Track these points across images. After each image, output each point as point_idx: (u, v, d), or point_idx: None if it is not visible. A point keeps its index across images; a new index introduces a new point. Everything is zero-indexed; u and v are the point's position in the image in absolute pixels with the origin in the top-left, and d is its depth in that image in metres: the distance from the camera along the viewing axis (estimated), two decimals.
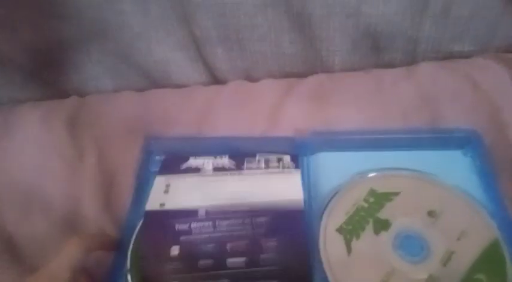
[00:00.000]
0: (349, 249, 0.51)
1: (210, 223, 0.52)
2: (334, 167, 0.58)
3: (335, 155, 0.60)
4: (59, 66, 0.72)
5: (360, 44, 0.69)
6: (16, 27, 0.66)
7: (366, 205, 0.54)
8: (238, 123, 0.66)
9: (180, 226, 0.52)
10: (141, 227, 0.53)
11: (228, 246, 0.50)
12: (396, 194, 0.55)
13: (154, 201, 0.55)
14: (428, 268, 0.48)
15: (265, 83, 0.73)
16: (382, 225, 0.52)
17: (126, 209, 0.55)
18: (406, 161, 0.57)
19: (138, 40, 0.69)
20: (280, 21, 0.67)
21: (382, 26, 0.66)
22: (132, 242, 0.52)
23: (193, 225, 0.52)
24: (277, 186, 0.56)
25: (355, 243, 0.51)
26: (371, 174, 0.57)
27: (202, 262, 0.49)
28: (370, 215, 0.53)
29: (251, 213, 0.53)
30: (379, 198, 0.55)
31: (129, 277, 0.50)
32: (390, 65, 0.72)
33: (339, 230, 0.52)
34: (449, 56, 0.71)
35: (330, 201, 0.55)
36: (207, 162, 0.60)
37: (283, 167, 0.58)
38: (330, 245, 0.51)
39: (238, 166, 0.59)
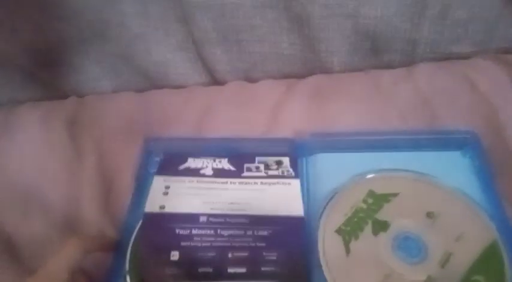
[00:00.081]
0: (347, 250, 0.51)
1: (212, 231, 0.52)
2: (333, 168, 0.58)
3: (334, 156, 0.60)
4: (59, 66, 0.72)
5: (359, 45, 0.69)
6: (16, 28, 0.66)
7: (364, 206, 0.54)
8: (238, 124, 0.66)
9: (181, 231, 0.52)
10: (140, 228, 0.53)
11: (229, 256, 0.50)
12: (395, 195, 0.55)
13: (153, 203, 0.55)
14: (426, 269, 0.48)
15: (264, 83, 0.73)
16: (380, 227, 0.52)
17: (125, 210, 0.55)
18: (405, 162, 0.57)
19: (138, 41, 0.69)
20: (279, 22, 0.67)
21: (381, 28, 0.66)
22: (131, 243, 0.52)
23: (195, 231, 0.52)
24: (277, 198, 0.56)
25: (353, 244, 0.51)
26: (370, 176, 0.57)
27: (202, 269, 0.49)
28: (368, 216, 0.53)
29: (252, 226, 0.53)
30: (378, 200, 0.55)
31: (128, 279, 0.50)
32: (389, 66, 0.72)
33: (338, 231, 0.52)
34: (447, 58, 0.70)
35: (328, 202, 0.55)
36: (206, 164, 0.60)
37: (283, 173, 0.58)
38: (328, 246, 0.51)
39: (238, 170, 0.59)
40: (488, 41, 0.69)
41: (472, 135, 0.59)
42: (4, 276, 0.54)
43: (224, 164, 0.60)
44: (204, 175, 0.58)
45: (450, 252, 0.49)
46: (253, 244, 0.51)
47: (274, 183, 0.57)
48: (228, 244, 0.51)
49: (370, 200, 0.55)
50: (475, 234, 0.51)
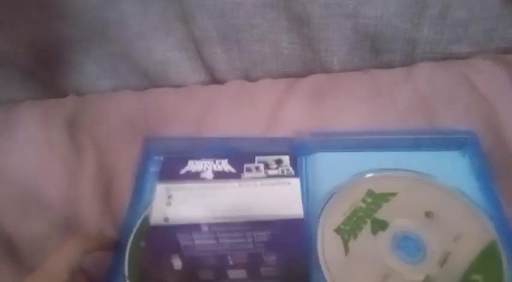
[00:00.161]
0: (346, 250, 0.51)
1: (213, 240, 0.52)
2: (332, 168, 0.58)
3: (333, 156, 0.60)
4: (58, 65, 0.72)
5: (359, 45, 0.69)
6: (16, 27, 0.66)
7: (363, 206, 0.54)
8: (237, 122, 0.66)
9: (184, 242, 0.52)
10: (146, 241, 0.53)
11: (230, 261, 0.51)
12: (394, 194, 0.55)
13: (158, 215, 0.55)
14: (425, 269, 0.48)
15: (264, 82, 0.73)
16: (379, 226, 0.52)
17: (125, 209, 0.55)
18: (404, 162, 0.57)
19: (138, 40, 0.69)
20: (279, 22, 0.67)
21: (381, 27, 0.66)
22: (129, 243, 0.53)
23: (197, 241, 0.52)
24: (277, 199, 0.56)
25: (352, 244, 0.51)
26: (369, 175, 0.57)
27: (203, 275, 0.50)
28: (367, 215, 0.53)
29: (253, 231, 0.53)
30: (377, 199, 0.55)
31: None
32: (389, 66, 0.72)
33: (337, 230, 0.53)
34: (447, 58, 0.71)
35: (327, 201, 0.55)
36: (206, 167, 0.60)
37: (282, 172, 0.58)
38: (327, 245, 0.51)
39: (238, 171, 0.59)
40: (488, 41, 0.69)
41: (471, 135, 0.59)
42: (4, 275, 0.54)
43: (224, 165, 0.60)
44: (204, 179, 0.58)
45: (449, 251, 0.49)
46: (253, 249, 0.51)
47: (274, 184, 0.57)
48: (229, 251, 0.51)
49: (369, 200, 0.55)
50: (473, 234, 0.51)
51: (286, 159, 0.60)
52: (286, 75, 0.74)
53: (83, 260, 0.46)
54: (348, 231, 0.52)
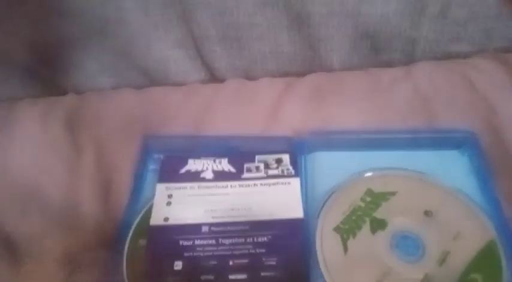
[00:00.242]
0: (345, 249, 0.51)
1: (213, 241, 0.52)
2: (332, 167, 0.58)
3: (332, 155, 0.60)
4: (58, 63, 0.72)
5: (359, 43, 0.69)
6: (15, 25, 0.66)
7: (362, 205, 0.54)
8: (237, 121, 0.66)
9: (184, 242, 0.52)
10: (146, 241, 0.53)
11: (230, 263, 0.51)
12: (393, 193, 0.55)
13: (158, 215, 0.55)
14: (424, 268, 0.48)
15: (264, 81, 0.73)
16: (378, 225, 0.52)
17: (124, 208, 0.56)
18: (403, 161, 0.57)
19: (137, 38, 0.69)
20: (279, 20, 0.67)
21: (381, 26, 0.66)
22: (128, 241, 0.53)
23: (197, 242, 0.52)
24: (277, 200, 0.56)
25: (351, 243, 0.51)
26: (368, 174, 0.57)
27: (204, 277, 0.50)
28: (367, 214, 0.53)
29: (253, 232, 0.53)
30: (376, 198, 0.55)
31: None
32: (389, 65, 0.72)
33: (336, 229, 0.53)
34: (447, 57, 0.71)
35: (327, 200, 0.55)
36: (206, 167, 0.60)
37: (282, 172, 0.58)
38: (326, 244, 0.51)
39: (238, 171, 0.59)
40: (488, 41, 0.69)
41: (470, 134, 0.59)
42: (2, 274, 0.54)
43: (224, 164, 0.60)
44: (204, 179, 0.59)
45: (448, 250, 0.49)
46: (253, 251, 0.51)
47: (274, 184, 0.57)
48: (229, 252, 0.51)
49: (368, 199, 0.55)
50: (472, 233, 0.51)
51: (286, 158, 0.60)
52: (286, 74, 0.74)
53: (82, 256, 0.46)
54: (347, 230, 0.52)
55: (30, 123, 0.68)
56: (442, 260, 0.49)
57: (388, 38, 0.68)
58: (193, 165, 0.60)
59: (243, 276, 0.49)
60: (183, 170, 0.60)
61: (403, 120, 0.64)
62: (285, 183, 0.57)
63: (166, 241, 0.53)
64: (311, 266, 0.50)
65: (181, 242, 0.52)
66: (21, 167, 0.63)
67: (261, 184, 0.58)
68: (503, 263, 0.48)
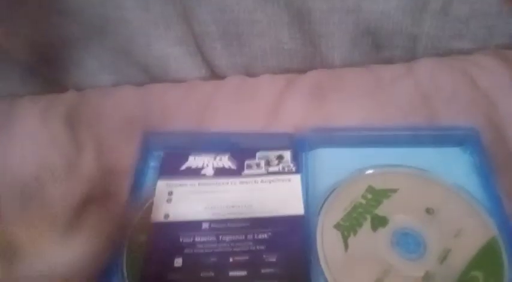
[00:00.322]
0: (346, 246, 0.51)
1: (214, 238, 0.53)
2: (333, 163, 0.58)
3: (334, 151, 0.60)
4: (58, 61, 0.72)
5: (360, 40, 0.69)
6: (16, 23, 0.65)
7: (363, 202, 0.54)
8: (238, 118, 0.66)
9: (184, 239, 0.53)
10: (146, 238, 0.53)
11: (230, 260, 0.51)
12: (394, 191, 0.55)
13: (158, 212, 0.55)
14: (425, 265, 0.48)
15: (264, 78, 0.73)
16: (379, 222, 0.52)
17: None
18: (405, 158, 0.57)
19: (137, 35, 0.69)
20: (279, 17, 0.67)
21: (382, 23, 0.66)
22: (128, 237, 0.53)
23: (197, 239, 0.53)
24: (277, 197, 0.56)
25: (352, 240, 0.51)
26: (369, 171, 0.57)
27: (204, 274, 0.50)
28: (368, 211, 0.53)
29: (253, 229, 0.53)
30: (377, 195, 0.54)
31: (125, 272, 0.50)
32: (390, 62, 0.72)
33: (337, 226, 0.52)
34: (448, 53, 0.71)
35: (327, 197, 0.55)
36: (207, 163, 0.60)
37: (283, 168, 0.58)
38: (327, 241, 0.51)
39: (238, 168, 0.59)
40: (489, 37, 0.69)
41: (473, 131, 0.58)
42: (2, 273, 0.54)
43: (225, 161, 0.60)
44: (205, 176, 0.59)
45: (449, 248, 0.49)
46: (253, 247, 0.51)
47: (274, 181, 0.57)
48: (229, 249, 0.51)
49: (369, 196, 0.55)
50: (474, 230, 0.51)
51: (287, 155, 0.60)
52: (287, 71, 0.74)
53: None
54: (347, 227, 0.52)
55: (31, 119, 0.68)
56: (443, 258, 0.49)
57: (389, 34, 0.68)
58: (193, 161, 0.60)
59: (243, 273, 0.49)
60: (183, 167, 0.60)
61: (404, 117, 0.64)
62: (286, 180, 0.57)
63: (166, 238, 0.53)
64: (311, 263, 0.50)
65: (181, 239, 0.52)
66: (22, 164, 0.63)
67: (262, 181, 0.58)
68: (505, 260, 0.48)
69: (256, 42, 0.71)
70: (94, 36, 0.69)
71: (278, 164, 0.59)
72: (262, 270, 0.50)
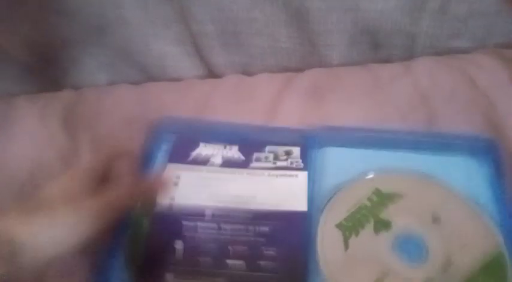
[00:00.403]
0: (346, 246, 0.51)
1: (215, 225, 0.53)
2: (341, 163, 0.58)
3: (343, 151, 0.60)
4: (56, 59, 0.71)
5: (358, 39, 0.69)
6: (14, 22, 0.65)
7: (369, 204, 0.54)
8: (236, 117, 0.65)
9: (186, 223, 0.53)
10: (150, 220, 0.54)
11: (230, 249, 0.51)
12: (402, 196, 0.54)
13: (164, 194, 0.56)
14: (425, 273, 0.48)
15: (262, 77, 0.73)
16: (383, 225, 0.52)
17: None
18: (416, 164, 0.56)
19: (135, 34, 0.69)
20: (277, 16, 0.66)
21: (381, 22, 0.66)
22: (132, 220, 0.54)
23: (199, 224, 0.53)
24: (282, 191, 0.56)
25: (353, 240, 0.51)
26: (378, 174, 0.57)
27: (202, 259, 0.51)
28: (372, 214, 0.53)
29: (255, 220, 0.54)
30: (384, 199, 0.54)
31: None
32: (388, 61, 0.72)
33: (339, 226, 0.53)
34: (447, 52, 0.71)
35: (332, 196, 0.55)
36: (216, 153, 0.61)
37: (291, 164, 0.59)
38: (327, 239, 0.52)
39: (247, 160, 0.60)
40: (488, 36, 0.69)
41: (490, 142, 0.58)
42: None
43: (234, 152, 0.61)
44: (213, 164, 0.59)
45: (452, 258, 0.49)
46: (253, 239, 0.52)
47: (281, 175, 0.58)
48: (230, 238, 0.52)
49: (375, 199, 0.54)
50: (480, 243, 0.50)
51: (296, 150, 0.60)
52: (285, 70, 0.73)
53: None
54: (350, 227, 0.52)
55: (29, 118, 0.68)
56: (445, 268, 0.48)
57: (387, 33, 0.68)
58: (203, 149, 0.61)
59: (240, 263, 0.50)
60: (193, 153, 0.61)
61: (403, 117, 0.64)
62: (293, 176, 0.58)
63: (169, 220, 0.54)
64: (310, 260, 0.50)
65: (183, 223, 0.54)
66: (19, 163, 0.63)
67: (269, 174, 0.58)
68: (510, 278, 0.48)
69: (254, 41, 0.70)
70: (92, 35, 0.68)
71: (286, 159, 0.59)
72: (260, 262, 0.50)
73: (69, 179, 0.48)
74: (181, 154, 0.60)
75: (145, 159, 0.59)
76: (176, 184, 0.57)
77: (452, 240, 0.50)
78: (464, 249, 0.50)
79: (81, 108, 0.70)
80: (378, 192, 0.55)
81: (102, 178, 0.49)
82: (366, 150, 0.59)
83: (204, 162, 0.60)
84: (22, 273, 0.42)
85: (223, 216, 0.54)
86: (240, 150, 0.61)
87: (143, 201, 0.54)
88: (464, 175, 0.56)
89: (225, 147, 0.61)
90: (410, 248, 0.50)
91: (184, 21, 0.67)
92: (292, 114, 0.66)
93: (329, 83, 0.69)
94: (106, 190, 0.46)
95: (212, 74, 0.75)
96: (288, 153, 0.60)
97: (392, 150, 0.58)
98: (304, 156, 0.59)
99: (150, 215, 0.54)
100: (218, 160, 0.60)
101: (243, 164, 0.59)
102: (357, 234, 0.52)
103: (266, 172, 0.58)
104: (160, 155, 0.61)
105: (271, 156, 0.60)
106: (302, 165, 0.58)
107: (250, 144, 0.61)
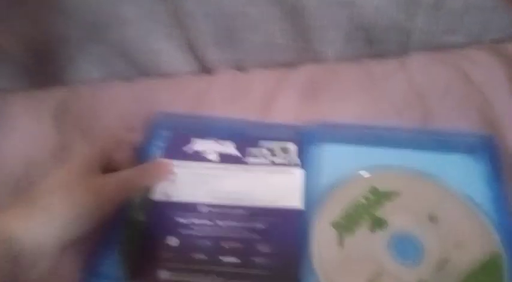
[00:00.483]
0: (341, 244, 0.51)
1: (210, 221, 0.54)
2: (338, 160, 0.58)
3: (340, 148, 0.59)
4: (47, 56, 0.70)
5: (353, 34, 0.68)
6: (5, 17, 0.64)
7: (365, 202, 0.54)
8: (231, 114, 0.66)
9: (181, 219, 0.54)
10: (144, 216, 0.54)
11: (224, 245, 0.52)
12: (398, 194, 0.54)
13: (159, 190, 0.56)
14: (419, 273, 0.48)
15: (257, 73, 0.72)
16: (378, 224, 0.52)
17: None
18: (413, 162, 0.56)
19: (127, 29, 0.68)
20: (272, 11, 0.66)
21: (376, 18, 0.66)
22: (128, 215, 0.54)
23: (194, 221, 0.54)
24: (278, 188, 0.56)
25: (348, 239, 0.52)
26: (374, 172, 0.57)
27: (196, 256, 0.51)
28: (367, 212, 0.53)
29: (250, 217, 0.54)
30: (380, 197, 0.54)
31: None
32: (383, 56, 0.71)
33: (334, 224, 0.53)
34: (442, 48, 0.70)
35: (328, 194, 0.55)
36: (211, 148, 0.60)
37: (289, 161, 0.59)
38: (322, 237, 0.52)
39: (243, 155, 0.60)
40: (483, 32, 0.69)
41: (488, 140, 0.58)
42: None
43: (230, 147, 0.60)
44: (209, 160, 0.59)
45: (448, 258, 0.49)
46: (248, 236, 0.52)
47: (277, 172, 0.58)
48: (224, 234, 0.52)
49: (371, 197, 0.54)
50: (477, 243, 0.50)
51: (292, 147, 0.60)
52: (279, 65, 0.73)
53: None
54: (345, 226, 0.52)
55: (23, 115, 0.68)
56: (440, 268, 0.48)
57: (383, 29, 0.67)
58: (199, 145, 0.61)
59: (235, 260, 0.51)
60: (188, 149, 0.61)
61: (398, 113, 0.64)
62: (289, 173, 0.58)
63: (164, 216, 0.54)
64: (304, 258, 0.50)
65: (178, 219, 0.54)
66: (14, 159, 0.63)
67: (265, 171, 0.58)
68: (506, 278, 0.48)
69: (249, 37, 0.69)
70: (85, 31, 0.67)
71: (283, 156, 0.59)
72: (254, 259, 0.50)
73: (66, 173, 0.48)
74: (177, 150, 0.60)
75: (141, 156, 0.59)
76: (172, 180, 0.57)
77: (449, 239, 0.50)
78: (461, 248, 0.50)
79: (75, 105, 0.69)
80: (374, 190, 0.55)
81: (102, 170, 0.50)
82: (362, 147, 0.59)
83: (199, 158, 0.60)
84: (23, 272, 0.42)
85: (219, 213, 0.54)
86: (235, 146, 0.61)
87: (142, 190, 0.55)
88: (461, 173, 0.56)
89: (221, 144, 0.61)
90: (406, 247, 0.50)
91: (178, 16, 0.66)
92: (288, 110, 0.66)
93: (324, 79, 0.69)
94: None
95: (205, 69, 0.75)
96: (285, 150, 0.60)
97: (388, 147, 0.58)
98: (300, 153, 0.59)
99: (145, 211, 0.54)
100: (214, 156, 0.60)
101: (239, 160, 0.59)
102: (352, 232, 0.52)
103: (262, 168, 0.58)
104: (156, 152, 0.60)
105: (267, 152, 0.60)
106: (298, 162, 0.58)
107: (246, 140, 0.61)
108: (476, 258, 0.49)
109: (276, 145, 0.60)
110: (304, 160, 0.58)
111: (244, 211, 0.54)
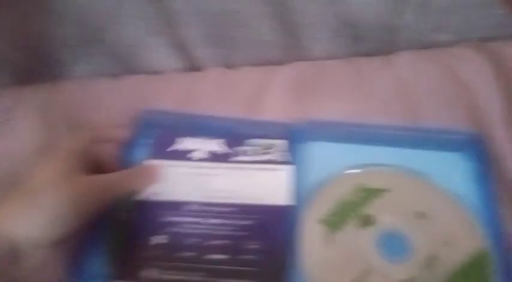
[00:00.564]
0: (328, 241, 0.51)
1: (198, 219, 0.54)
2: (326, 158, 0.58)
3: (328, 146, 0.59)
4: (35, 53, 0.70)
5: (341, 32, 0.68)
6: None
7: (353, 199, 0.54)
8: (219, 111, 0.65)
9: (169, 218, 0.54)
10: (131, 214, 0.54)
11: (212, 242, 0.52)
12: (386, 191, 0.54)
13: (146, 189, 0.56)
14: (407, 270, 0.49)
15: (245, 70, 0.72)
16: (366, 221, 0.52)
17: None
18: (402, 159, 0.56)
19: (111, 24, 0.67)
20: (259, 7, 0.65)
21: (364, 15, 0.65)
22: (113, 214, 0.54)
23: (182, 219, 0.54)
24: (266, 185, 0.56)
25: (335, 236, 0.52)
26: (362, 169, 0.57)
27: (184, 254, 0.51)
28: (355, 209, 0.53)
29: (238, 215, 0.54)
30: (368, 194, 0.54)
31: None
32: (371, 54, 0.71)
33: (321, 221, 0.53)
34: (430, 46, 0.70)
35: (316, 191, 0.55)
36: (198, 146, 0.60)
37: (276, 158, 0.59)
38: (309, 234, 0.52)
39: (230, 153, 0.59)
40: (471, 30, 0.69)
41: (475, 137, 0.58)
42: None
43: (218, 145, 0.60)
44: (195, 159, 0.59)
45: (436, 255, 0.49)
46: (236, 233, 0.52)
47: (265, 169, 0.58)
48: (212, 232, 0.53)
49: (359, 194, 0.54)
50: (464, 240, 0.50)
51: (280, 144, 0.60)
52: (267, 62, 0.72)
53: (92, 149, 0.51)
54: (332, 222, 0.52)
55: (6, 113, 0.67)
56: (428, 264, 0.49)
57: (370, 26, 0.67)
58: (186, 143, 0.61)
59: (223, 257, 0.51)
60: (176, 147, 0.60)
61: (385, 110, 0.64)
62: (277, 170, 0.58)
63: (151, 216, 0.54)
64: (291, 255, 0.50)
65: (165, 218, 0.54)
66: (2, 158, 0.63)
67: (252, 168, 0.58)
68: (493, 275, 0.48)
69: (235, 33, 0.69)
70: (69, 27, 0.66)
71: (270, 153, 0.59)
72: (242, 257, 0.51)
73: (52, 169, 0.48)
74: (164, 148, 0.60)
75: (127, 153, 0.59)
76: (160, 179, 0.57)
77: (437, 236, 0.51)
78: (449, 246, 0.50)
79: (62, 102, 0.69)
80: (362, 188, 0.55)
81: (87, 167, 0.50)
82: (351, 145, 0.59)
83: (187, 156, 0.59)
84: (13, 268, 0.42)
85: (206, 211, 0.54)
86: (224, 143, 0.60)
87: (129, 192, 0.54)
88: (449, 170, 0.56)
89: (208, 142, 0.60)
90: (395, 244, 0.50)
91: (164, 12, 0.65)
92: (276, 107, 0.65)
93: (312, 76, 0.69)
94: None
95: (192, 65, 0.74)
96: (272, 147, 0.59)
97: (377, 145, 0.58)
98: (288, 150, 0.59)
99: (133, 210, 0.54)
100: (201, 154, 0.60)
101: (227, 158, 0.59)
102: (339, 229, 0.52)
103: (250, 166, 0.58)
104: (143, 149, 0.60)
105: (256, 150, 0.59)
106: (286, 159, 0.58)
107: (234, 138, 0.61)
108: (464, 255, 0.49)
109: (264, 143, 0.60)
110: (292, 158, 0.58)
111: (233, 209, 0.54)
